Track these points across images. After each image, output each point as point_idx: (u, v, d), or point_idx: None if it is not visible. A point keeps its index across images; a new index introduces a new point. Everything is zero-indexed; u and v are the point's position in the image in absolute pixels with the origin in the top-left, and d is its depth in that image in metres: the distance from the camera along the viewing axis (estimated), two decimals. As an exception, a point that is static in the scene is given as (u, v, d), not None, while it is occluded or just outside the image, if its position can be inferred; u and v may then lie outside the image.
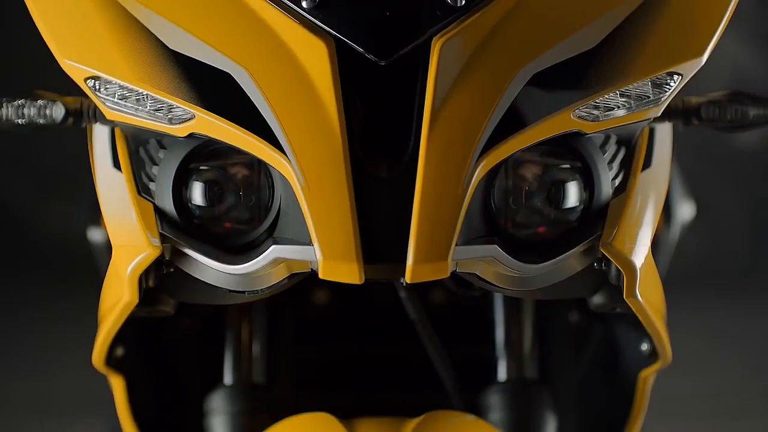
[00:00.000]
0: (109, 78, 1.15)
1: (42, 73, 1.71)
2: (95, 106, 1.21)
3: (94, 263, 1.84)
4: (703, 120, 1.24)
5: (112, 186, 1.21)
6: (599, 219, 1.17)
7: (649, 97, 1.16)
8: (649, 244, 1.20)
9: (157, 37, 1.14)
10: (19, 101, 1.22)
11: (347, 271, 1.11)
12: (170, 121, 1.15)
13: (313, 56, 1.12)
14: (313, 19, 1.13)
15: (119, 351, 1.37)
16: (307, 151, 1.11)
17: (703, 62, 1.18)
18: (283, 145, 1.11)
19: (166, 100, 1.14)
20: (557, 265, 1.17)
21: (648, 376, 1.41)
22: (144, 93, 1.15)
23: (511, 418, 1.39)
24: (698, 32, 1.18)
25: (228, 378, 1.43)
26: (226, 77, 1.12)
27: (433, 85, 1.11)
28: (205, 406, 1.42)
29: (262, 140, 1.11)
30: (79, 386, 3.00)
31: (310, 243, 1.12)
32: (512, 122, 1.12)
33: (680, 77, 1.16)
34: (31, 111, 1.22)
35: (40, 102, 1.22)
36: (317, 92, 1.11)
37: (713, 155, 4.35)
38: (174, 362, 1.56)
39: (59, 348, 3.46)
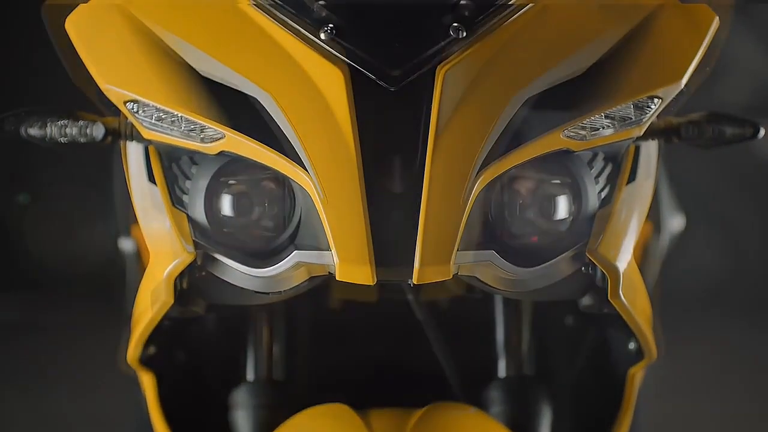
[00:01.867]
0: (147, 101, 1.26)
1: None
2: (132, 126, 1.31)
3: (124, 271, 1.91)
4: (683, 139, 1.34)
5: (147, 198, 1.31)
6: (586, 228, 1.28)
7: (631, 118, 1.27)
8: (631, 250, 1.30)
9: (190, 65, 1.25)
10: (62, 122, 1.32)
11: (361, 273, 1.21)
12: (202, 140, 1.25)
13: (331, 82, 1.23)
14: (330, 49, 1.24)
15: (151, 350, 1.45)
16: (325, 167, 1.21)
17: (682, 87, 1.28)
18: (304, 162, 1.22)
19: (199, 121, 1.25)
20: (548, 268, 1.28)
21: (636, 373, 1.49)
22: (179, 115, 1.25)
23: (510, 411, 1.46)
24: (677, 60, 1.28)
25: (250, 375, 1.51)
26: (253, 101, 1.23)
27: (437, 108, 1.22)
28: (229, 401, 1.49)
29: (285, 157, 1.22)
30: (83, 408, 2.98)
31: (327, 249, 1.22)
32: (508, 141, 1.23)
33: (660, 101, 1.27)
34: (73, 130, 1.32)
35: (81, 122, 1.32)
36: (334, 114, 1.22)
37: (733, 170, 4.33)
38: (200, 361, 1.62)
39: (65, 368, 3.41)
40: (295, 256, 1.25)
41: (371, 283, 1.21)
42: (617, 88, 1.25)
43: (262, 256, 1.27)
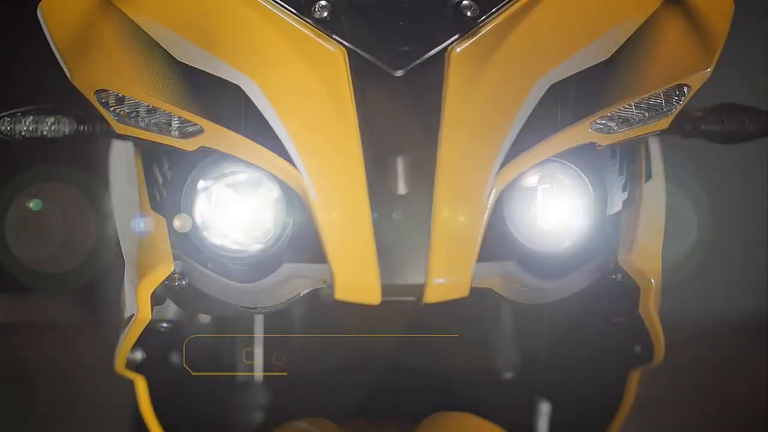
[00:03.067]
0: (117, 93, 1.12)
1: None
2: (106, 121, 1.16)
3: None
4: (701, 134, 1.24)
5: (126, 202, 1.19)
6: (610, 234, 1.16)
7: (662, 109, 1.15)
8: (660, 256, 1.18)
9: (166, 52, 1.12)
10: (33, 117, 1.19)
11: (364, 290, 1.07)
12: (180, 135, 1.12)
13: (327, 67, 1.09)
14: (326, 31, 1.11)
15: (140, 355, 1.33)
16: (319, 165, 1.07)
17: (710, 74, 1.17)
18: (293, 159, 1.07)
19: (174, 114, 1.11)
20: (572, 279, 1.16)
21: (637, 374, 1.39)
22: (152, 107, 1.12)
23: (514, 418, 1.40)
24: (704, 47, 1.17)
25: (246, 379, 1.42)
26: (235, 90, 1.10)
27: (448, 95, 1.08)
28: (224, 405, 1.41)
29: (272, 153, 1.08)
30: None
31: (323, 261, 1.07)
32: (530, 134, 1.10)
33: (689, 89, 1.16)
34: (44, 126, 1.19)
35: (51, 117, 1.19)
36: (331, 104, 1.08)
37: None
38: (193, 364, 1.52)
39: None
40: (284, 270, 1.12)
41: (376, 303, 1.07)
42: (647, 75, 1.14)
43: (248, 267, 1.14)
